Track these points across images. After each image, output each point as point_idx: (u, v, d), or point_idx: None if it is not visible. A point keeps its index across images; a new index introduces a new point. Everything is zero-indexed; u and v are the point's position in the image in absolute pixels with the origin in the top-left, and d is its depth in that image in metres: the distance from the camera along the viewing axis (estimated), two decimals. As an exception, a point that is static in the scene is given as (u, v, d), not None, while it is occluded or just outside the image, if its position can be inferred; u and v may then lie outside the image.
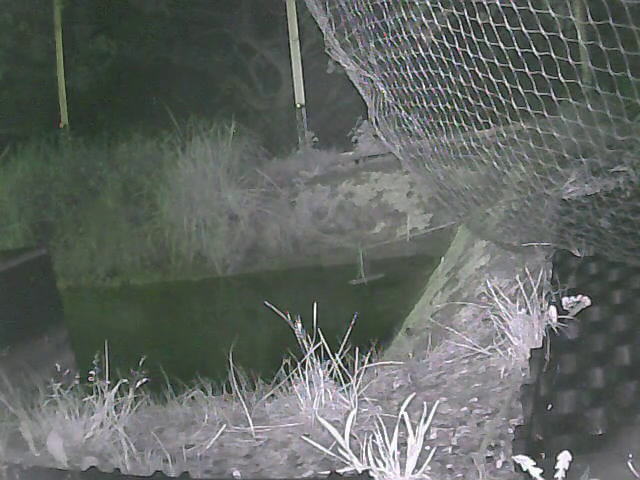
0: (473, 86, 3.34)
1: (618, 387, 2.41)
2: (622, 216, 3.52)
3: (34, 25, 12.42)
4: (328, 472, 2.28)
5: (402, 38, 3.58)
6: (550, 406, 2.41)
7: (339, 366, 3.04)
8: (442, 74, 3.47)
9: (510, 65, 3.09)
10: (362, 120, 10.19)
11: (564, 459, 1.91)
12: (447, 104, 3.56)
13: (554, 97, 3.00)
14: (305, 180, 10.19)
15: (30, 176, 11.01)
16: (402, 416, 2.29)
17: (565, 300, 3.06)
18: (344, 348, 3.10)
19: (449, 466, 2.38)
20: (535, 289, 3.14)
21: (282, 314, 3.17)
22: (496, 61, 3.15)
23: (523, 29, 2.93)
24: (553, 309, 2.96)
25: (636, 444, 2.04)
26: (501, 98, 3.21)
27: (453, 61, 3.35)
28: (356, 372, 3.01)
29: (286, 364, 3.18)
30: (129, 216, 10.37)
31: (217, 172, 9.88)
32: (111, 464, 2.74)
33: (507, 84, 3.13)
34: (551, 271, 3.51)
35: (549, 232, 3.88)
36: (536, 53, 2.97)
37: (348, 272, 8.45)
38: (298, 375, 3.05)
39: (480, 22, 3.11)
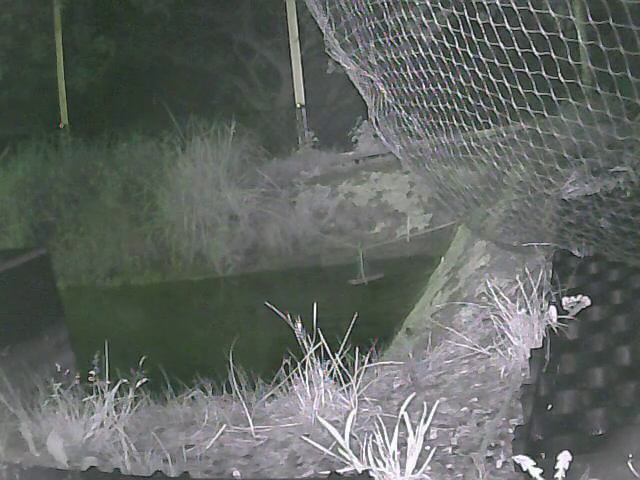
0: (473, 86, 3.33)
1: (618, 387, 2.41)
2: (622, 216, 3.52)
3: (34, 25, 12.42)
4: (328, 472, 2.28)
5: (402, 38, 3.58)
6: (550, 406, 2.41)
7: (339, 366, 3.04)
8: (442, 74, 3.47)
9: (510, 65, 3.09)
10: (362, 120, 10.21)
11: (564, 459, 1.91)
12: (447, 104, 3.55)
13: (554, 97, 3.00)
14: (305, 180, 10.19)
15: (30, 176, 11.03)
16: (402, 416, 2.29)
17: (565, 300, 3.06)
18: (344, 348, 3.10)
19: (449, 466, 2.38)
20: (535, 289, 3.14)
21: (282, 314, 3.17)
22: (496, 61, 3.15)
23: (523, 29, 2.93)
24: (553, 309, 2.96)
25: (636, 444, 2.04)
26: (501, 98, 3.21)
27: (453, 61, 3.35)
28: (356, 372, 3.01)
29: (286, 364, 3.17)
30: (129, 216, 10.38)
31: (217, 172, 9.89)
32: (111, 464, 2.74)
33: (507, 84, 3.13)
34: (551, 271, 3.51)
35: (549, 232, 3.88)
36: (536, 53, 2.97)
37: (348, 272, 8.45)
38: (298, 375, 3.05)
39: (480, 22, 3.11)
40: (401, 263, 8.55)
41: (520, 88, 3.11)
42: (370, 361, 3.20)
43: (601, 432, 2.22)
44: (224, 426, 2.99)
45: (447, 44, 3.32)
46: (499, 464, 2.30)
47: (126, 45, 12.98)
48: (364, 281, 8.33)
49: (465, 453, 2.45)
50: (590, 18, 2.77)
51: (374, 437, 2.24)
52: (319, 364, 3.00)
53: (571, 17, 2.95)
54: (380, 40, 3.68)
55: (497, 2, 2.95)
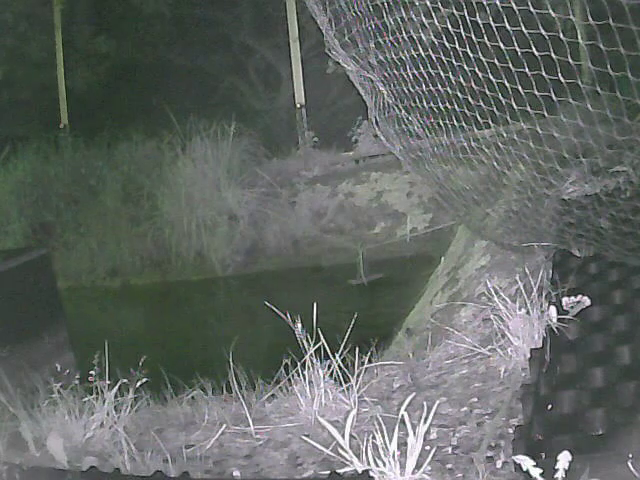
0: (473, 86, 3.33)
1: (618, 387, 2.41)
2: (622, 216, 3.52)
3: (34, 25, 12.41)
4: (328, 472, 2.28)
5: (402, 38, 3.58)
6: (550, 406, 2.41)
7: (339, 366, 3.04)
8: (442, 74, 3.47)
9: (510, 65, 3.09)
10: (362, 120, 10.20)
11: (564, 459, 1.91)
12: (447, 104, 3.55)
13: (554, 97, 3.00)
14: (305, 180, 10.19)
15: (30, 176, 11.02)
16: (402, 416, 2.29)
17: (565, 300, 3.06)
18: (344, 348, 3.10)
19: (449, 466, 2.38)
20: (535, 289, 3.14)
21: (282, 314, 3.17)
22: (496, 61, 3.15)
23: (523, 29, 2.93)
24: (553, 309, 2.96)
25: (636, 444, 2.04)
26: (501, 98, 3.21)
27: (453, 61, 3.35)
28: (356, 372, 3.01)
29: (286, 364, 3.18)
30: (129, 216, 10.37)
31: (217, 172, 9.88)
32: (111, 464, 2.74)
33: (507, 84, 3.13)
34: (551, 271, 3.51)
35: (549, 232, 3.88)
36: (536, 53, 2.97)
37: (348, 272, 8.45)
38: (298, 375, 3.05)
39: (480, 22, 3.11)
40: (401, 263, 8.54)
41: (520, 88, 3.11)
42: (370, 361, 3.20)
43: (601, 432, 2.22)
44: (224, 426, 2.99)
45: (447, 44, 3.32)
46: (499, 464, 2.30)
47: (126, 45, 12.97)
48: (364, 281, 8.33)
49: (465, 453, 2.45)
50: (590, 18, 2.77)
51: (374, 437, 2.24)
52: (319, 364, 3.00)
53: (571, 17, 2.95)
54: (380, 40, 3.68)
55: (497, 2, 2.95)
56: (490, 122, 3.40)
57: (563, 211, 4.04)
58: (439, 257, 6.25)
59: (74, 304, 8.23)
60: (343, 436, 2.28)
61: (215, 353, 3.92)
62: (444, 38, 3.32)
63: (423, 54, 3.48)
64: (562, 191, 4.34)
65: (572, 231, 3.69)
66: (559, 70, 2.93)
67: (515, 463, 2.03)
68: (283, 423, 2.98)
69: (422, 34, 3.49)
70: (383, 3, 3.52)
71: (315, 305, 3.22)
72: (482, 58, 3.20)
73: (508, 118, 3.29)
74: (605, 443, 2.12)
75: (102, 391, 3.08)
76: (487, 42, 3.12)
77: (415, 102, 3.69)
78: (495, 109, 3.29)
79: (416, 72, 3.56)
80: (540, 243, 3.83)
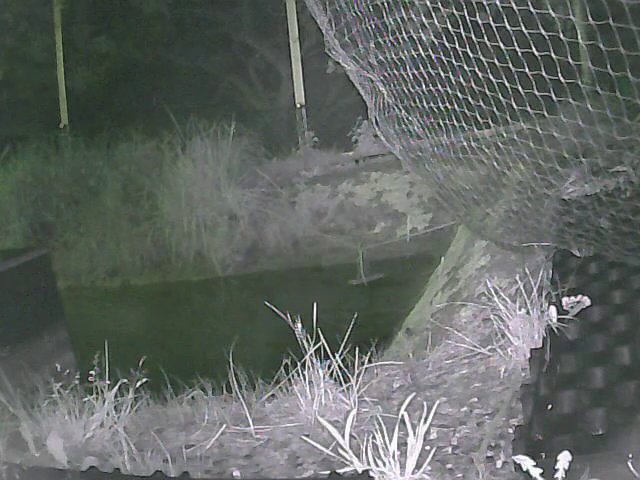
0: (473, 86, 3.33)
1: (618, 387, 2.41)
2: (622, 216, 3.52)
3: (34, 25, 12.42)
4: (328, 472, 2.28)
5: (402, 38, 3.58)
6: (550, 406, 2.41)
7: (339, 366, 3.04)
8: (442, 74, 3.47)
9: (510, 65, 3.09)
10: (362, 120, 10.20)
11: (564, 459, 1.91)
12: (447, 104, 3.55)
13: (554, 97, 3.00)
14: (305, 180, 10.19)
15: (30, 176, 11.02)
16: (402, 416, 2.29)
17: (565, 300, 3.06)
18: (344, 348, 3.10)
19: (449, 466, 2.38)
20: (535, 289, 3.14)
21: (282, 314, 3.17)
22: (496, 61, 3.15)
23: (523, 29, 2.93)
24: (553, 309, 2.96)
25: (636, 444, 2.04)
26: (501, 98, 3.21)
27: (453, 61, 3.35)
28: (356, 372, 3.01)
29: (286, 364, 3.18)
30: (129, 216, 10.37)
31: (217, 172, 9.88)
32: (111, 464, 2.74)
33: (507, 84, 3.13)
34: (551, 271, 3.51)
35: (549, 232, 3.88)
36: (536, 53, 2.97)
37: (348, 272, 8.45)
38: (298, 375, 3.05)
39: (480, 22, 3.11)
40: (401, 263, 8.54)
41: (520, 88, 3.11)
42: (370, 361, 3.20)
43: (601, 432, 2.22)
44: (224, 426, 2.99)
45: (447, 44, 3.32)
46: (499, 464, 2.30)
47: (126, 45, 12.97)
48: (364, 281, 8.33)
49: (465, 453, 2.45)
50: (590, 18, 2.77)
51: (374, 437, 2.24)
52: (319, 364, 3.00)
53: (571, 17, 2.95)
54: (380, 40, 3.68)
55: (497, 2, 2.95)
56: (490, 122, 3.40)
57: (563, 211, 4.04)
58: (439, 257, 6.25)
59: (74, 304, 8.22)
60: (343, 436, 2.28)
61: (215, 353, 3.92)
62: (444, 38, 3.32)
63: (423, 54, 3.48)
64: (562, 191, 4.34)
65: (572, 231, 3.69)
66: (559, 70, 2.92)
67: (515, 463, 2.03)
68: (283, 423, 2.98)
69: (422, 34, 3.49)
70: (383, 3, 3.52)
71: (315, 305, 3.22)
72: (482, 58, 3.20)
73: (508, 118, 3.29)
74: (605, 443, 2.12)
75: (102, 391, 3.08)
76: (487, 42, 3.12)
77: (415, 102, 3.69)
78: (495, 109, 3.29)
79: (416, 72, 3.56)
80: (540, 243, 3.83)
